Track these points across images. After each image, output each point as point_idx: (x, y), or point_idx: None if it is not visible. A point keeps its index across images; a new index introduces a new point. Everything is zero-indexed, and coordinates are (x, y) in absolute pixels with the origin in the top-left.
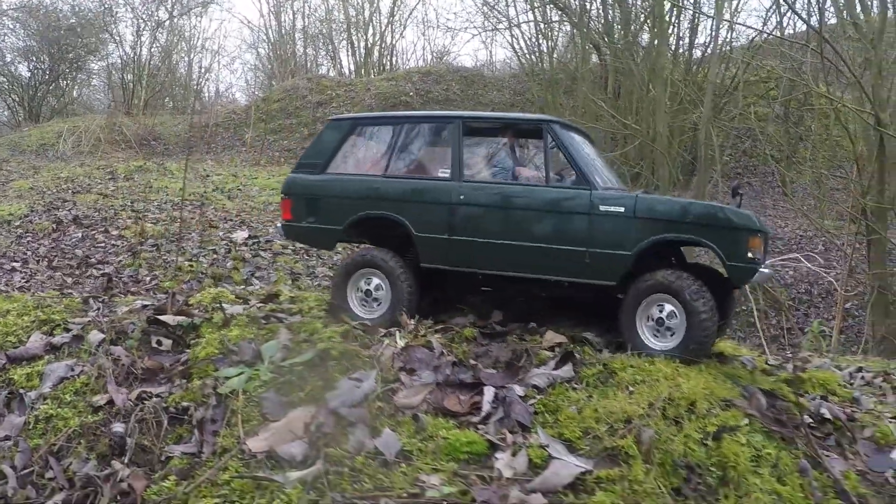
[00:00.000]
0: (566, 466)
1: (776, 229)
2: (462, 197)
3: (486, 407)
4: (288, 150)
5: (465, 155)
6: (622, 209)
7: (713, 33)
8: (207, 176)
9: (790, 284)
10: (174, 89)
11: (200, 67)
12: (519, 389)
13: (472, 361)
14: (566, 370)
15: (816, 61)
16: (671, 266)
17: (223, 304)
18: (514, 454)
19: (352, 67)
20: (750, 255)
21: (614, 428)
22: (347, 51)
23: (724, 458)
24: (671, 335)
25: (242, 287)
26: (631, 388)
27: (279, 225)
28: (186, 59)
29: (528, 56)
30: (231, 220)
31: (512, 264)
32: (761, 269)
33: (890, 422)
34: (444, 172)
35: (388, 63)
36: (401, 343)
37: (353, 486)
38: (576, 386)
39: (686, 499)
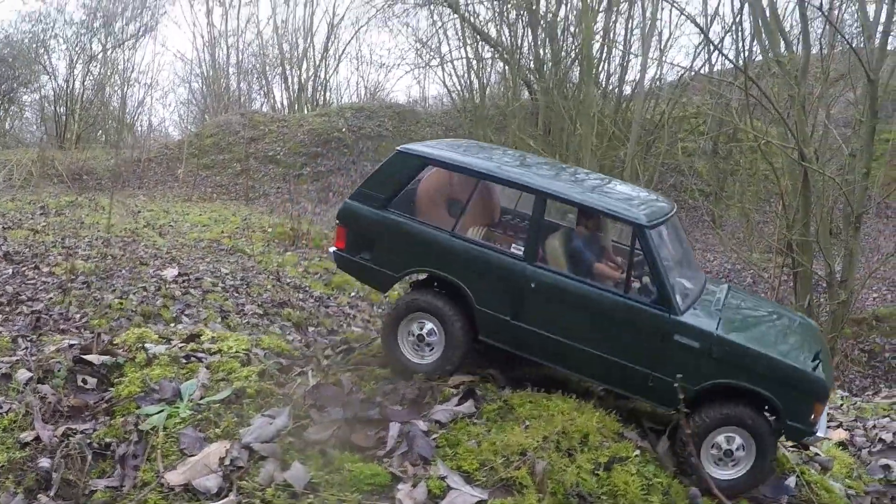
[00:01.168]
0: (462, 496)
1: (705, 263)
2: (533, 285)
3: (390, 442)
4: (220, 186)
5: (543, 234)
6: (697, 344)
7: (641, 72)
8: (139, 211)
9: None
10: (107, 123)
11: (135, 101)
12: (422, 425)
13: (379, 399)
14: (468, 406)
15: (742, 98)
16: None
17: (146, 345)
18: (414, 485)
19: (285, 102)
20: (812, 418)
21: (510, 460)
22: (281, 86)
23: (614, 487)
24: (734, 466)
25: (172, 325)
26: (527, 423)
27: (331, 251)
28: (119, 92)
29: (460, 92)
30: (161, 257)
31: (573, 366)
32: (818, 434)
33: (790, 450)
34: (517, 249)
35: (322, 98)
36: (312, 381)
37: None
38: (476, 421)
39: None
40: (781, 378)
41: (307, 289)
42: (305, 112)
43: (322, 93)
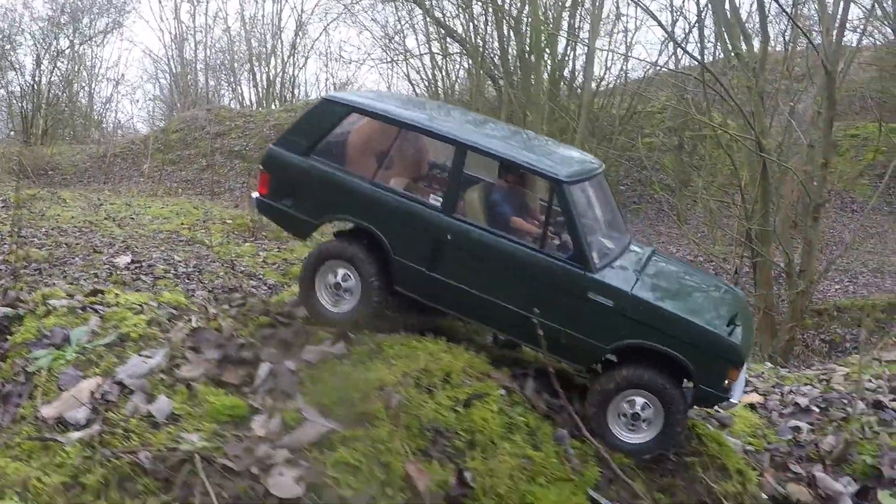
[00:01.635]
0: (314, 426)
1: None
2: (449, 237)
3: (258, 380)
4: (186, 181)
5: (464, 187)
6: (611, 303)
7: (608, 65)
8: (101, 204)
9: None
10: (74, 119)
11: (102, 98)
12: (291, 364)
13: (254, 341)
14: (339, 348)
15: (702, 91)
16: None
17: (48, 299)
18: (270, 417)
19: (253, 98)
20: (726, 383)
21: (368, 395)
22: (249, 82)
23: (473, 424)
24: (644, 430)
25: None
26: (393, 362)
27: (254, 196)
28: (87, 88)
29: (428, 86)
30: (116, 245)
31: (487, 320)
32: (731, 400)
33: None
34: (436, 200)
35: (291, 94)
36: (194, 325)
37: (122, 443)
38: (345, 361)
39: (432, 459)
40: (695, 341)
41: (261, 277)
42: (273, 107)
43: (290, 88)
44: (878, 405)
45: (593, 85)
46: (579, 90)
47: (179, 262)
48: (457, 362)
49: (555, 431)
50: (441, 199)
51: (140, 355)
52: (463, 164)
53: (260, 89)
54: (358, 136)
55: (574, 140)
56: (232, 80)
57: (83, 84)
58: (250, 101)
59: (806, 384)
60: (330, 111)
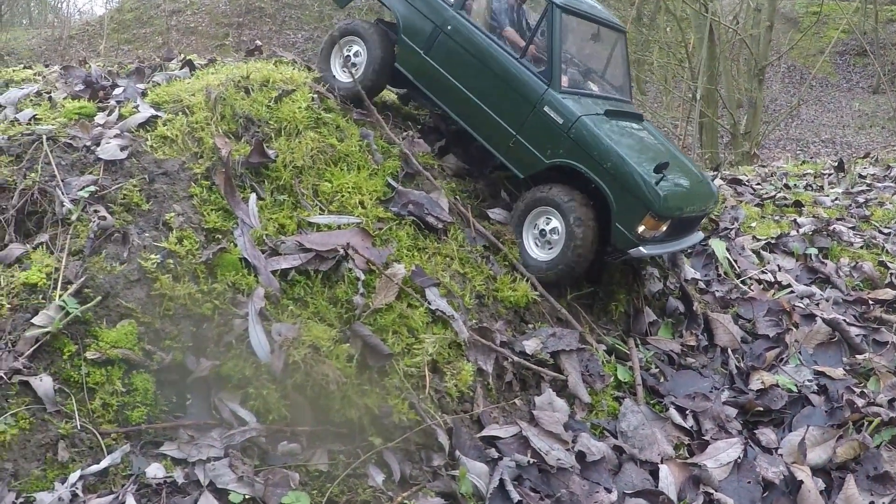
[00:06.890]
0: (144, 114)
1: None
2: (449, 27)
3: (112, 97)
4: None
5: None
6: (560, 120)
7: None
8: None
9: None
10: (30, 4)
11: None
12: (141, 84)
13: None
14: (184, 72)
15: None
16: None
17: None
18: (110, 113)
19: None
20: (640, 229)
21: (194, 94)
22: None
23: (282, 116)
24: (550, 248)
25: None
26: (222, 72)
27: None
28: None
29: None
30: None
31: (459, 111)
32: (640, 249)
33: None
34: None
35: None
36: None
37: None
38: (186, 79)
39: (241, 139)
40: (621, 178)
41: None
42: None
43: None
44: (735, 181)
45: None
46: None
47: None
48: (276, 73)
49: (361, 129)
50: None
51: (20, 88)
52: None
53: None
54: None
55: None
56: None
57: None
58: None
59: None
60: None
